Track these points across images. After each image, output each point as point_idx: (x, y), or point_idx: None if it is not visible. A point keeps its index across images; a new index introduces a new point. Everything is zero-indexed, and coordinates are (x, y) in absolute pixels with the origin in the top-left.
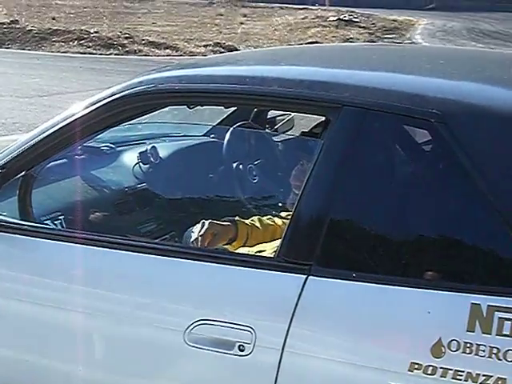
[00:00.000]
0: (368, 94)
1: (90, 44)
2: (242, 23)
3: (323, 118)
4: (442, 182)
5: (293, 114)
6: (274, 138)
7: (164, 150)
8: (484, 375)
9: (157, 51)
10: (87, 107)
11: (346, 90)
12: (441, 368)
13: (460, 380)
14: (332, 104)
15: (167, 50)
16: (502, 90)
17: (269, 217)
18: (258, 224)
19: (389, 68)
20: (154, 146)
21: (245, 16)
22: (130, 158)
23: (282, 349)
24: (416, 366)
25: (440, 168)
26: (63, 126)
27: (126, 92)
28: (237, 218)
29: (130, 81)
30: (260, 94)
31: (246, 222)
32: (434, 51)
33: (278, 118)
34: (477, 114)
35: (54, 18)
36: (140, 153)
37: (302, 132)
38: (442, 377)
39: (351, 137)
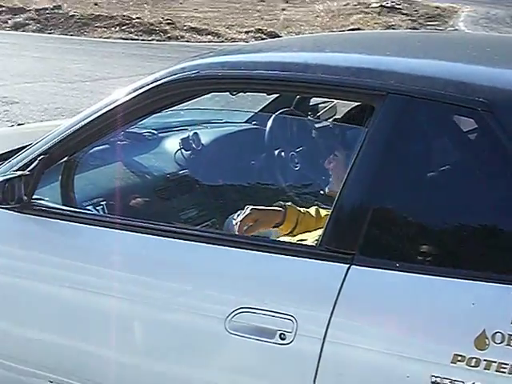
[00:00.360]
0: (413, 82)
1: (132, 30)
2: (283, 9)
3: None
4: (488, 172)
5: (336, 101)
6: (317, 125)
7: (206, 136)
8: None
9: (198, 37)
10: (130, 93)
11: (392, 78)
12: (484, 360)
13: (504, 373)
14: (377, 91)
15: (209, 36)
16: None
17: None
18: (313, 212)
19: (434, 55)
20: (196, 133)
21: (286, 2)
22: (172, 144)
23: (324, 338)
24: (459, 358)
25: (486, 157)
26: (106, 112)
27: (169, 78)
28: (289, 203)
29: (172, 67)
30: (304, 81)
31: (300, 208)
32: (479, 38)
33: (320, 105)
34: None
35: (96, 4)
36: (182, 139)
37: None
38: (485, 369)
39: (396, 125)
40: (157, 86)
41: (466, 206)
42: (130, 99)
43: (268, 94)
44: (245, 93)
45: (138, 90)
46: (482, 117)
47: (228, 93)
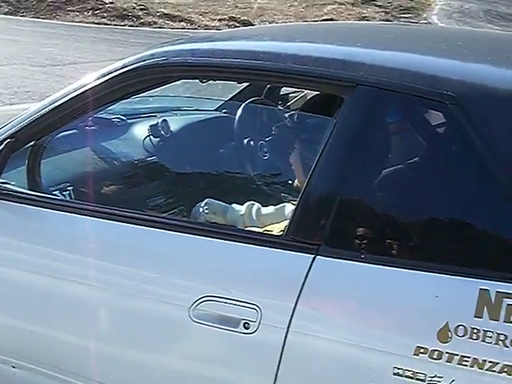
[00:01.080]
0: (383, 74)
1: (105, 14)
2: None
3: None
4: (455, 166)
5: (306, 91)
6: (286, 115)
7: (175, 123)
8: (490, 362)
9: (171, 24)
10: (99, 78)
11: (361, 69)
12: (447, 353)
13: (466, 366)
14: (346, 83)
15: (182, 23)
16: None
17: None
18: None
19: (405, 48)
20: (165, 120)
21: None
22: (141, 130)
23: (288, 328)
24: (422, 350)
25: (453, 151)
26: (74, 97)
27: (138, 64)
28: None
29: (142, 53)
30: (274, 71)
31: None
32: (451, 32)
33: (290, 94)
34: (493, 97)
35: None
36: (151, 126)
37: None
38: (447, 362)
39: (364, 116)
40: (126, 71)
41: (432, 199)
42: (99, 84)
43: (238, 83)
44: (214, 81)
45: (107, 75)
46: (450, 110)
47: (198, 80)
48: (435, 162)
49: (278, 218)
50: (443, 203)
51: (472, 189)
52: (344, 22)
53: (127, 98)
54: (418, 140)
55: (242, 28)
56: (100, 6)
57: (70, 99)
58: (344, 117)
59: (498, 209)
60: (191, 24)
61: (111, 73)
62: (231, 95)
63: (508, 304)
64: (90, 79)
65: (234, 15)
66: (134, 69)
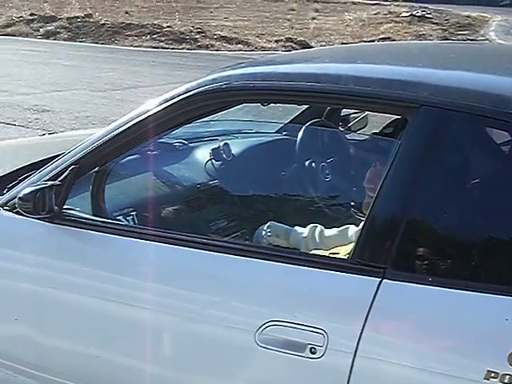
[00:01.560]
0: (447, 94)
1: (163, 38)
2: (313, 18)
3: (395, 117)
4: None
5: (368, 112)
6: (348, 137)
7: (236, 146)
8: None
9: (228, 46)
10: (161, 104)
11: (425, 90)
12: None
13: None
14: (410, 103)
15: (239, 45)
16: None
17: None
18: None
19: (468, 67)
20: (226, 143)
21: (317, 11)
22: (203, 154)
23: (355, 353)
24: (492, 375)
25: None
26: (138, 122)
27: (200, 89)
28: None
29: (203, 78)
30: (336, 93)
31: None
32: None
33: (351, 115)
34: None
35: (127, 12)
36: (212, 149)
37: (374, 132)
38: None
39: (429, 137)
40: (188, 96)
41: (499, 219)
42: (162, 110)
43: (299, 105)
44: (276, 104)
45: (169, 100)
46: None
47: (259, 104)
48: (501, 181)
49: (341, 240)
50: (510, 223)
51: None
52: (404, 42)
53: (190, 123)
54: (484, 160)
55: (302, 50)
56: (158, 30)
57: (133, 125)
58: (408, 138)
59: None
60: (248, 46)
61: (174, 98)
62: (291, 117)
63: None
64: (153, 104)
65: (290, 36)
66: (196, 93)
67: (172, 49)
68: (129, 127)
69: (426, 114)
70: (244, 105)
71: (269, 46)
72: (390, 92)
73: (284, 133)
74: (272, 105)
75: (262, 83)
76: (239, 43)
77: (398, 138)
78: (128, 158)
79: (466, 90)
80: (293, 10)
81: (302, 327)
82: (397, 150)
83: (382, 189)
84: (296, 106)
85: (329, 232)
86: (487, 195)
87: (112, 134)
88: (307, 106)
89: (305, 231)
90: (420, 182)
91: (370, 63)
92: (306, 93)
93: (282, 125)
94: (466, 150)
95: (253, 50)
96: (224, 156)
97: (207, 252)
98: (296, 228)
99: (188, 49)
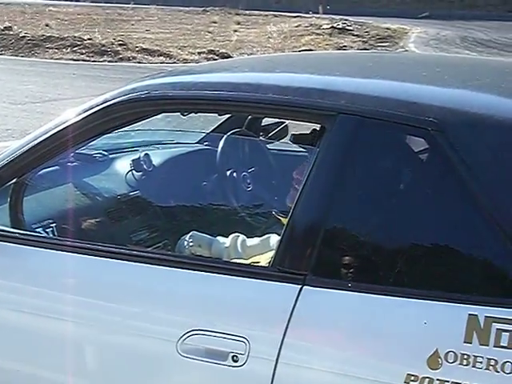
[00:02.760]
0: (364, 102)
1: (84, 51)
2: (235, 31)
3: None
4: (439, 192)
5: (287, 121)
6: (269, 146)
7: (157, 157)
8: None
9: (150, 58)
10: (80, 114)
11: (342, 98)
12: (437, 380)
13: None
14: (327, 111)
15: (161, 57)
16: (500, 99)
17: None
18: None
19: (385, 75)
20: (146, 154)
21: (239, 23)
22: (123, 165)
23: (277, 360)
24: (412, 378)
25: (437, 177)
26: (55, 133)
27: (119, 99)
28: None
29: (123, 87)
30: (255, 102)
31: None
32: (430, 59)
33: (271, 125)
34: (475, 123)
35: (47, 25)
36: (133, 160)
37: (293, 135)
38: None
39: (347, 145)
40: (107, 106)
41: (418, 226)
42: (80, 120)
43: (219, 115)
44: (196, 113)
45: (87, 110)
46: (432, 136)
47: (179, 113)
48: (419, 189)
49: (263, 249)
50: (428, 230)
51: (456, 215)
52: (323, 52)
53: (109, 133)
54: (400, 167)
55: (222, 60)
56: (79, 43)
57: (50, 136)
58: (326, 146)
59: (482, 234)
60: (170, 58)
61: (92, 108)
62: (212, 128)
63: (497, 328)
64: (70, 115)
65: (212, 48)
66: (115, 103)
67: (93, 61)
68: (47, 138)
69: (344, 121)
70: (165, 115)
71: (191, 58)
72: (308, 100)
73: (205, 143)
74: (193, 115)
75: (182, 92)
76: (161, 55)
77: (317, 146)
78: (47, 169)
79: (383, 98)
80: (215, 22)
81: (223, 335)
82: (315, 158)
83: (300, 197)
84: (216, 115)
85: (251, 241)
86: (404, 203)
87: (30, 145)
88: (228, 116)
89: (227, 241)
90: (338, 189)
91: (289, 72)
92: (226, 102)
93: (203, 135)
94: (384, 157)
95: (175, 62)
96: (145, 167)
97: (127, 262)
98: (218, 238)
99: (109, 61)
